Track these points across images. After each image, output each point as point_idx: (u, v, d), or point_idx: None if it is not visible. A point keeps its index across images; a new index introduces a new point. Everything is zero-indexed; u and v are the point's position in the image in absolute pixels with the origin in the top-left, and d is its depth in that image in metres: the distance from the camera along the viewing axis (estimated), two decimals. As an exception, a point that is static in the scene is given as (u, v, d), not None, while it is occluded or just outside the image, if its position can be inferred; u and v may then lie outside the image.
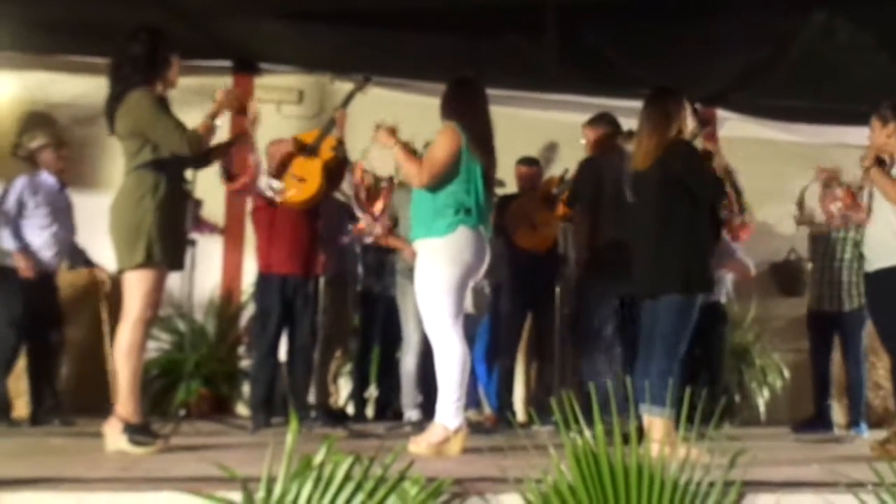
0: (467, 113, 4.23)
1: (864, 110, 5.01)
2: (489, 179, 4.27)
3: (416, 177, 4.14)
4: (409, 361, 5.70)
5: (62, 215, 5.80)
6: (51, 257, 5.72)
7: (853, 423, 6.43)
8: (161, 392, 6.61)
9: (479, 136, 4.22)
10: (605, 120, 5.57)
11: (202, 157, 4.20)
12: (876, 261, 4.65)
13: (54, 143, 5.81)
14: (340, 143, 5.47)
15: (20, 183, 5.69)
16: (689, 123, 4.34)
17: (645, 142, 4.30)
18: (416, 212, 4.24)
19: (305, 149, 5.43)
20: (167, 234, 3.91)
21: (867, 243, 4.78)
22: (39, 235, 5.66)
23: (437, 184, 4.12)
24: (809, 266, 6.91)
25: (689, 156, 4.25)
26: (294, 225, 5.42)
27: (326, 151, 5.43)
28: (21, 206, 5.64)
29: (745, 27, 6.27)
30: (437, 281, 4.08)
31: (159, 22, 4.35)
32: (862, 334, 6.51)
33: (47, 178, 5.78)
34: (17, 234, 5.59)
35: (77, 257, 6.04)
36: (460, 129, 4.15)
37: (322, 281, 5.70)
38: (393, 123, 4.31)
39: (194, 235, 4.99)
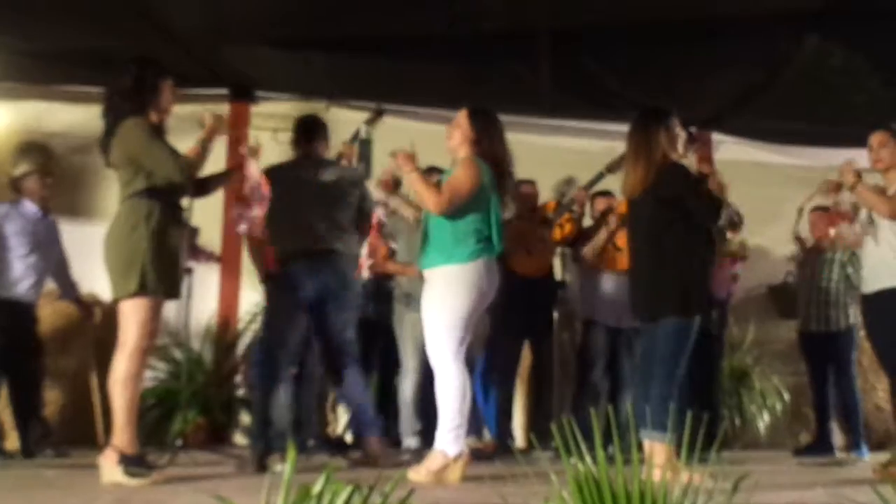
0: (486, 144, 4.24)
1: (857, 133, 5.02)
2: (504, 208, 4.31)
3: (436, 204, 4.12)
4: (407, 388, 5.66)
5: (43, 245, 5.70)
6: (28, 288, 5.59)
7: (853, 445, 6.39)
8: (157, 422, 6.56)
9: (499, 166, 4.24)
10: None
11: (200, 187, 4.20)
12: (875, 281, 4.62)
13: (39, 171, 5.73)
14: None
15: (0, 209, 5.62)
16: (680, 142, 4.30)
17: (634, 168, 4.28)
18: (434, 239, 4.20)
19: None
20: (162, 262, 3.88)
21: (866, 263, 4.75)
22: (17, 265, 5.55)
23: (455, 213, 4.12)
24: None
25: (684, 178, 4.23)
26: None
27: None
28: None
29: (740, 50, 6.30)
30: (452, 309, 4.05)
31: (155, 50, 4.37)
32: (852, 355, 6.50)
33: (29, 207, 5.70)
34: None
35: (69, 290, 5.93)
36: (480, 162, 4.17)
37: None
38: (411, 150, 4.28)
39: (191, 264, 4.97)
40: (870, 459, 5.86)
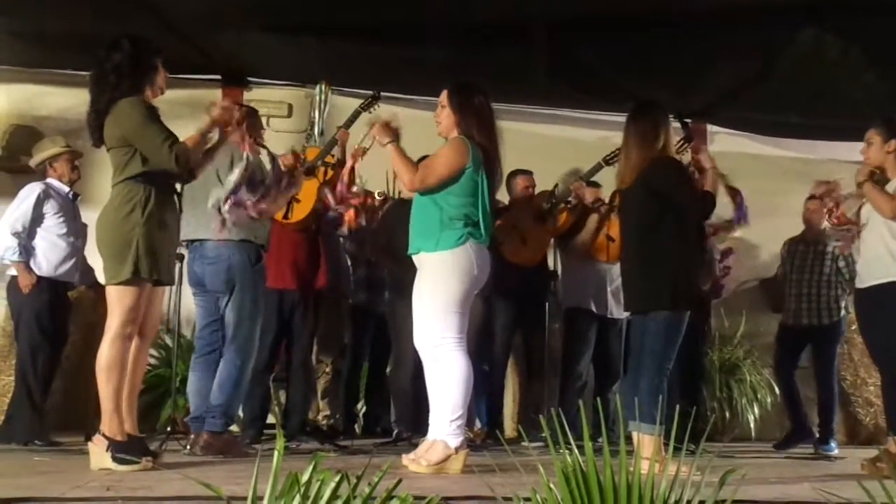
0: (464, 123, 4.11)
1: (853, 126, 5.01)
2: (493, 192, 4.22)
3: (409, 180, 4.05)
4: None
5: (76, 227, 5.62)
6: (69, 268, 5.53)
7: (823, 440, 6.27)
8: (148, 408, 6.53)
9: (487, 148, 4.11)
10: None
11: (190, 172, 4.14)
12: (869, 276, 4.61)
13: (69, 152, 5.63)
14: (340, 163, 5.42)
15: (37, 188, 5.50)
16: (674, 137, 4.30)
17: (628, 159, 4.28)
18: (420, 224, 4.08)
19: (305, 169, 5.37)
20: (157, 248, 3.83)
21: (861, 258, 4.75)
22: (58, 245, 5.48)
23: (433, 193, 4.03)
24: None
25: (675, 172, 4.23)
26: (295, 242, 5.39)
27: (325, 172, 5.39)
28: (38, 213, 5.45)
29: (735, 42, 6.29)
30: (446, 295, 3.94)
31: (147, 35, 4.29)
32: (836, 348, 6.48)
33: (61, 187, 5.61)
34: (26, 244, 5.39)
35: (86, 275, 5.87)
36: (469, 143, 4.04)
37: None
38: (392, 120, 4.21)
39: (182, 250, 4.93)
40: (846, 454, 5.86)
